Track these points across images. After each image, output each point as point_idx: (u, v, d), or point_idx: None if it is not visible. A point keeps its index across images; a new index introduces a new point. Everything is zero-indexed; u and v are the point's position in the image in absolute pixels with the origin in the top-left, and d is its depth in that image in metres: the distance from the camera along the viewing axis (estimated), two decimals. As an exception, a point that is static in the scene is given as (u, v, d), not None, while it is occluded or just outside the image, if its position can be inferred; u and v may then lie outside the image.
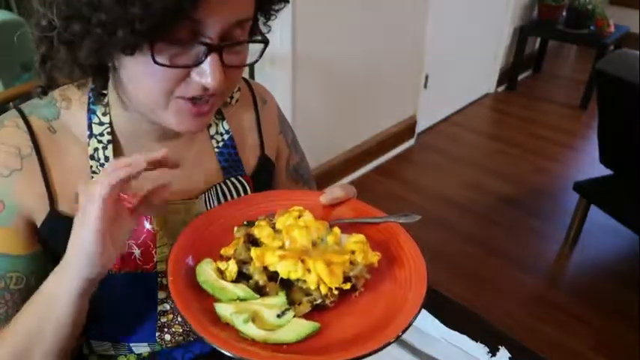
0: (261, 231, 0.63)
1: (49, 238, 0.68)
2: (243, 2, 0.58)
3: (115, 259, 0.60)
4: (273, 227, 0.65)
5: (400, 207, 2.55)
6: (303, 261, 0.58)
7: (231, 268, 0.60)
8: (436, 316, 0.82)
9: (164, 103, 0.60)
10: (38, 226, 0.67)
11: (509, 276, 2.16)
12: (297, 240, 0.62)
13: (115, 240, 0.58)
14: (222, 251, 0.64)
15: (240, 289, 0.59)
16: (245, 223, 0.67)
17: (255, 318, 0.55)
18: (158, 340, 0.74)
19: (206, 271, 0.60)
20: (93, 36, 0.51)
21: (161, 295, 0.73)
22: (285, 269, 0.57)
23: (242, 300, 0.58)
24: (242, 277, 0.61)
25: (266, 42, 0.63)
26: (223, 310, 0.56)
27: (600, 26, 3.41)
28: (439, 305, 0.84)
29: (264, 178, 0.85)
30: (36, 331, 0.62)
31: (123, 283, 0.71)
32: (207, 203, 0.75)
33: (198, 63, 0.56)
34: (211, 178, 0.77)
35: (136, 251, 0.70)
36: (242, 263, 0.61)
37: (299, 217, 0.65)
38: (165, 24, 0.51)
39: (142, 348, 0.75)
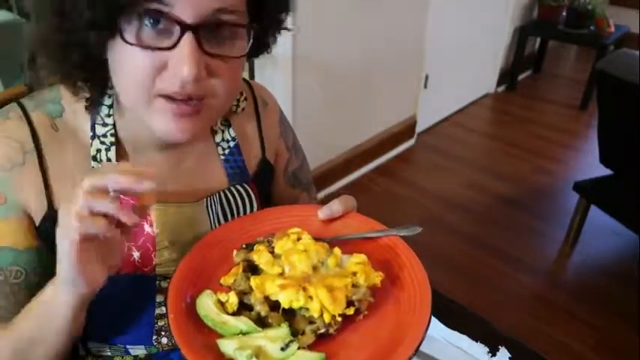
0: (260, 257, 0.62)
1: (48, 236, 0.68)
2: None
3: (105, 276, 0.58)
4: (272, 251, 0.63)
5: (400, 207, 2.55)
6: (304, 288, 0.56)
7: (232, 300, 0.59)
8: (436, 316, 0.82)
9: (145, 99, 0.59)
10: (37, 223, 0.67)
11: (510, 276, 2.16)
12: (297, 266, 0.60)
13: (105, 259, 0.58)
14: (222, 280, 0.62)
15: (243, 323, 0.57)
16: (244, 246, 0.66)
17: (259, 353, 0.54)
18: (155, 343, 0.74)
19: (206, 305, 0.59)
20: (65, 22, 0.52)
21: (159, 298, 0.72)
22: (287, 299, 0.56)
23: (245, 334, 0.57)
24: (243, 307, 0.60)
25: (254, 28, 0.60)
26: (226, 346, 0.55)
27: (600, 26, 3.41)
28: (439, 305, 0.83)
29: (264, 181, 0.84)
30: (37, 337, 0.62)
31: (121, 285, 0.70)
32: (210, 208, 0.75)
33: (173, 45, 0.54)
34: (216, 185, 0.77)
35: (135, 254, 0.69)
36: (242, 294, 0.60)
37: (298, 239, 0.64)
38: (131, 4, 0.51)
39: (139, 350, 0.74)
